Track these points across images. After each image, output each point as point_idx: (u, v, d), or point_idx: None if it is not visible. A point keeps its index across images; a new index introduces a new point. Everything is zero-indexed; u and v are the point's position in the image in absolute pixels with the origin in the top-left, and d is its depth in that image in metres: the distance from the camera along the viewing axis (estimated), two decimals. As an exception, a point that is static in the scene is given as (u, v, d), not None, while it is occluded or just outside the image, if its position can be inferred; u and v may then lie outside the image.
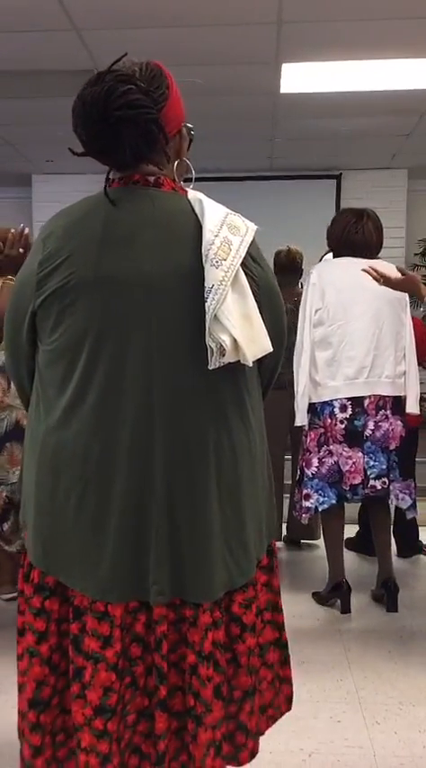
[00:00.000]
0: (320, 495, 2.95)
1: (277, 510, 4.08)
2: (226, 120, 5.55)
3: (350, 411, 2.89)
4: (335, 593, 3.03)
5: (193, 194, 1.34)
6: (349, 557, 3.20)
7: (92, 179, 1.37)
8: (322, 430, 2.94)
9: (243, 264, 1.28)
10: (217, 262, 1.23)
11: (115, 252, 1.25)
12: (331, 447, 2.92)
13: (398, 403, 2.97)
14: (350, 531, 3.59)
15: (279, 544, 3.89)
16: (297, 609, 3.09)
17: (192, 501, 1.28)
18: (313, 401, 2.94)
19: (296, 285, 3.87)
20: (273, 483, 1.53)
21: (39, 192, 7.16)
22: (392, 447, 2.93)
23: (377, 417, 2.90)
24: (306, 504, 2.97)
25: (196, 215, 1.29)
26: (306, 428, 2.99)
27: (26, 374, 1.38)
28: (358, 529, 3.74)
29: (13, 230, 2.51)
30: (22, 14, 3.74)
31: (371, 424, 2.89)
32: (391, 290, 2.63)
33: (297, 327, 3.70)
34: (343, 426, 2.89)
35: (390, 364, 2.93)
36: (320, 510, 2.97)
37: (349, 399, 2.89)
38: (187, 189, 1.36)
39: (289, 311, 3.72)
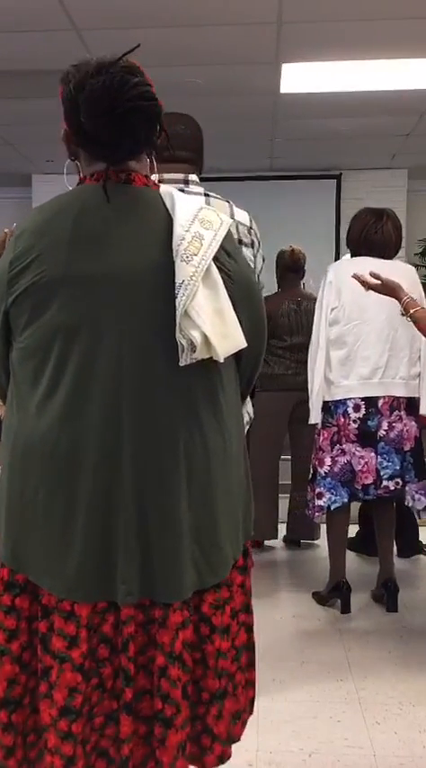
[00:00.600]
0: (332, 493, 2.95)
1: (274, 510, 4.06)
2: (226, 120, 5.55)
3: (363, 411, 2.89)
4: (335, 593, 3.03)
5: (165, 189, 1.33)
6: (349, 557, 3.19)
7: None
8: (335, 429, 2.94)
9: (215, 259, 1.27)
10: (187, 257, 1.22)
11: (84, 250, 1.25)
12: (344, 446, 2.92)
13: (413, 404, 2.96)
14: (350, 531, 3.58)
15: (279, 544, 3.90)
16: (298, 609, 3.09)
17: (161, 500, 1.26)
18: (326, 400, 2.94)
19: (298, 285, 3.87)
20: (250, 482, 1.50)
21: (39, 191, 7.15)
22: (407, 448, 2.92)
23: (391, 418, 2.90)
24: (319, 502, 2.97)
25: (168, 210, 1.28)
26: (319, 427, 2.98)
27: (2, 372, 1.37)
28: (358, 529, 3.74)
29: (6, 230, 2.51)
30: (22, 14, 3.74)
31: (385, 425, 2.89)
32: (408, 289, 2.60)
33: (299, 328, 3.72)
34: (356, 426, 2.89)
35: (405, 365, 2.92)
36: (332, 509, 2.96)
37: (362, 399, 2.89)
38: (159, 184, 1.36)
39: (292, 311, 3.73)
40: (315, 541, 3.88)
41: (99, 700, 1.29)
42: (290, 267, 3.83)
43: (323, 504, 2.96)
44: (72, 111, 1.27)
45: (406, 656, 2.66)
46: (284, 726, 2.21)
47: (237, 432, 1.40)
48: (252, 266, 2.07)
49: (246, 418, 2.17)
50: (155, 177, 1.95)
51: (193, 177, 1.99)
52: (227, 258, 1.32)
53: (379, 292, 2.51)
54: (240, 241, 2.02)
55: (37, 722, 1.32)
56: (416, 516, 3.10)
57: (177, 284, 1.21)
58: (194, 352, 1.22)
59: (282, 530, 3.91)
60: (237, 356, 1.39)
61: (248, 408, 2.20)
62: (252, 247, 2.07)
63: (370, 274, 2.48)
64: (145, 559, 1.26)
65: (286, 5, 3.69)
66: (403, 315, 2.42)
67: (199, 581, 1.30)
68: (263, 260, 2.18)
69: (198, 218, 1.27)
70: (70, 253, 1.25)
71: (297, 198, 6.92)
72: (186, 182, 1.98)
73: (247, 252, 2.04)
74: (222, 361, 1.25)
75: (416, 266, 7.10)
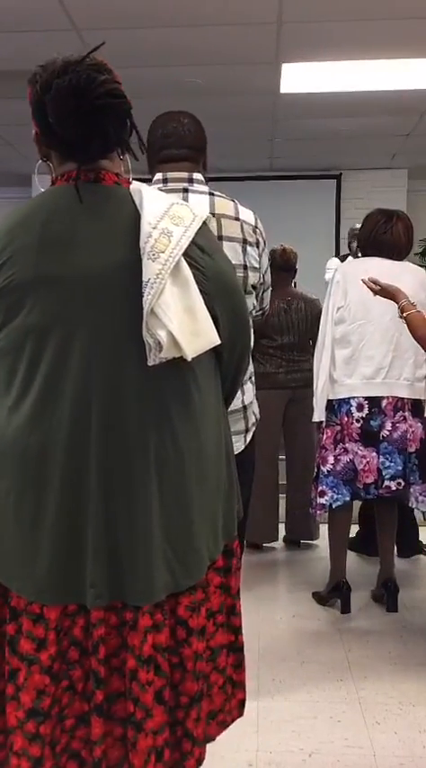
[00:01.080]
0: (334, 492, 2.95)
1: (274, 512, 4.04)
2: (226, 120, 5.55)
3: (366, 410, 2.89)
4: (335, 594, 3.03)
5: (135, 186, 1.31)
6: (349, 557, 3.19)
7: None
8: (338, 428, 2.94)
9: (186, 255, 1.25)
10: (154, 255, 1.20)
11: (53, 251, 1.24)
12: (346, 445, 2.92)
13: (418, 405, 2.96)
14: (351, 531, 3.58)
15: (279, 544, 3.89)
16: (298, 609, 3.09)
17: (130, 501, 1.25)
18: (330, 398, 2.94)
19: (289, 285, 3.85)
20: (236, 482, 1.48)
21: (39, 192, 7.15)
22: (411, 449, 2.91)
23: (395, 418, 2.89)
24: (321, 500, 2.97)
25: (137, 207, 1.27)
26: (323, 425, 2.98)
27: None
28: (358, 529, 3.73)
29: None
30: (22, 14, 3.74)
31: (388, 425, 2.89)
32: (416, 292, 2.61)
33: (289, 328, 3.71)
34: (359, 425, 2.89)
35: (409, 367, 2.92)
36: (334, 507, 2.96)
37: (366, 399, 2.89)
38: (130, 181, 1.34)
39: (282, 311, 3.72)
40: (315, 542, 3.88)
41: (69, 702, 1.28)
42: (281, 266, 3.81)
43: (325, 502, 2.96)
44: (40, 111, 1.26)
45: (406, 656, 2.66)
46: (284, 726, 2.21)
47: (216, 432, 1.38)
48: (257, 265, 2.04)
49: (253, 419, 2.17)
50: (159, 176, 1.96)
51: (198, 176, 1.96)
52: (200, 254, 1.30)
53: (383, 296, 2.52)
54: (244, 240, 2.00)
55: (5, 724, 1.30)
56: (422, 517, 3.09)
57: (144, 283, 1.20)
58: (161, 351, 1.20)
59: (281, 530, 3.91)
60: (218, 355, 1.38)
61: (254, 409, 2.19)
62: (257, 247, 2.05)
63: (370, 280, 2.50)
64: (114, 561, 1.25)
65: (286, 5, 3.69)
66: (400, 317, 2.44)
67: (174, 583, 1.28)
68: (269, 260, 2.17)
69: (168, 213, 1.26)
70: (39, 255, 1.24)
71: (297, 198, 6.93)
72: (191, 180, 1.95)
73: (252, 251, 2.02)
74: (189, 359, 1.23)
75: (416, 266, 7.12)
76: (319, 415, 2.95)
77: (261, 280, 2.10)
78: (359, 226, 4.52)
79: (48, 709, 1.24)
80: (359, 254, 3.83)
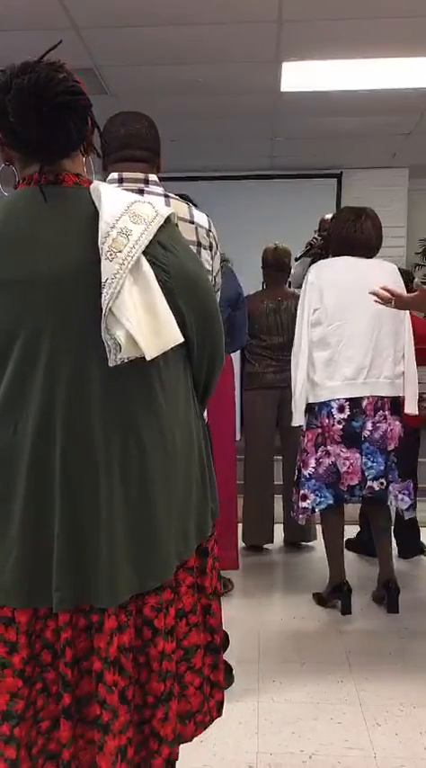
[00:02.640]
0: (317, 495, 2.94)
1: (268, 513, 3.98)
2: (226, 118, 5.55)
3: (348, 412, 2.88)
4: (336, 595, 3.02)
5: (95, 185, 1.30)
6: (349, 558, 3.19)
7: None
8: (319, 430, 2.93)
9: (148, 253, 1.24)
10: (111, 254, 1.19)
11: (12, 255, 1.24)
12: (328, 448, 2.91)
13: (397, 404, 2.96)
14: (351, 531, 3.58)
15: (279, 546, 3.88)
16: (298, 610, 3.08)
17: (93, 504, 1.25)
18: (311, 401, 2.93)
19: (282, 284, 3.83)
20: (212, 481, 1.47)
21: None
22: (390, 448, 2.92)
23: (376, 418, 2.89)
24: (303, 504, 2.96)
25: (97, 207, 1.26)
26: (304, 428, 2.97)
27: None
28: (358, 530, 3.73)
29: None
30: (21, 13, 3.73)
31: (369, 425, 2.88)
32: (391, 287, 2.57)
33: (278, 328, 3.70)
34: (341, 427, 2.88)
35: (389, 365, 2.92)
36: (317, 510, 2.96)
37: (347, 400, 2.88)
38: (91, 180, 1.33)
39: (271, 311, 3.71)
40: (311, 543, 3.87)
41: (44, 704, 1.29)
42: (273, 265, 3.79)
43: (307, 505, 2.95)
44: (1, 114, 1.24)
45: (407, 657, 2.66)
46: (284, 727, 2.20)
47: (186, 431, 1.37)
48: (209, 268, 2.03)
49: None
50: (114, 176, 1.96)
51: (153, 177, 1.96)
52: (163, 251, 1.29)
53: (406, 307, 2.45)
54: (199, 243, 1.99)
55: None
56: (402, 516, 3.08)
57: (102, 283, 1.19)
58: (120, 351, 1.19)
59: (279, 531, 3.89)
60: (189, 352, 1.37)
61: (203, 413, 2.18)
62: (210, 250, 2.04)
63: (383, 289, 2.45)
64: (79, 565, 1.25)
65: (286, 4, 3.68)
66: None
67: (139, 584, 1.28)
68: (221, 262, 2.15)
69: (128, 212, 1.25)
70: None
71: (297, 197, 6.91)
72: (146, 181, 1.95)
73: (205, 254, 2.01)
74: (149, 359, 1.22)
75: (417, 266, 7.12)
76: (299, 419, 2.94)
77: (213, 282, 2.10)
78: (329, 216, 4.54)
79: (23, 712, 1.25)
80: (318, 251, 3.83)
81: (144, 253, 1.24)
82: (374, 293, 2.49)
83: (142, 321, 1.21)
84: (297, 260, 4.38)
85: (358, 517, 3.67)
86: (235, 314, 2.94)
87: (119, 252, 1.20)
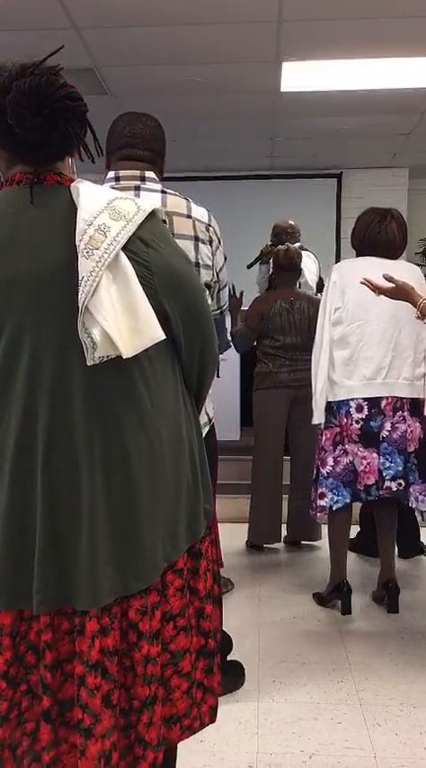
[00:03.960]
0: (334, 494, 2.94)
1: (276, 514, 3.97)
2: (226, 118, 5.55)
3: (366, 411, 2.88)
4: (336, 595, 3.02)
5: (75, 184, 1.29)
6: (350, 558, 3.18)
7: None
8: (337, 429, 2.93)
9: (128, 250, 1.24)
10: (88, 252, 1.19)
11: None
12: (346, 446, 2.91)
13: (417, 405, 2.95)
14: (351, 532, 3.58)
15: (280, 545, 3.89)
16: (298, 610, 3.08)
17: (74, 506, 1.24)
18: (329, 400, 2.93)
19: (293, 285, 3.84)
20: (206, 481, 1.46)
21: None
22: (410, 449, 2.90)
23: (394, 419, 2.88)
24: (321, 502, 2.96)
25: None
26: (322, 427, 2.97)
27: None
28: (359, 530, 3.73)
29: None
30: (21, 13, 3.73)
31: (388, 426, 2.88)
32: (416, 288, 2.58)
33: (291, 328, 3.70)
34: (359, 426, 2.87)
35: (408, 366, 2.91)
36: (334, 509, 2.96)
37: (365, 400, 2.88)
38: (73, 179, 1.32)
39: (284, 311, 3.71)
40: (316, 543, 3.87)
41: (29, 705, 1.28)
42: (284, 266, 3.79)
43: (325, 504, 2.96)
44: None
45: (407, 657, 2.66)
46: (284, 727, 2.20)
47: (175, 431, 1.36)
48: (210, 263, 2.02)
49: (204, 419, 2.11)
50: (111, 174, 1.96)
51: (150, 174, 1.96)
52: (144, 248, 1.28)
53: (392, 297, 2.48)
54: (196, 238, 1.98)
55: None
56: (420, 517, 3.08)
57: (79, 281, 1.19)
58: (96, 350, 1.19)
59: (283, 531, 3.90)
60: (177, 350, 1.37)
61: (209, 409, 2.15)
62: (210, 245, 2.03)
63: (384, 277, 2.45)
64: (60, 567, 1.25)
65: (286, 4, 3.68)
66: (418, 318, 2.38)
67: (123, 586, 1.27)
68: (225, 258, 2.14)
69: (108, 209, 1.24)
70: None
71: (297, 197, 6.91)
72: (142, 179, 1.95)
73: (204, 249, 2.00)
74: (126, 358, 1.21)
75: (417, 266, 7.10)
76: (319, 417, 2.94)
77: (216, 278, 2.08)
78: (293, 223, 4.52)
79: (6, 713, 1.25)
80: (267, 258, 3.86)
81: (125, 249, 1.23)
82: (364, 282, 2.49)
83: (120, 319, 1.20)
84: (248, 267, 4.40)
85: (358, 517, 3.67)
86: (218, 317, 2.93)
87: (96, 249, 1.19)
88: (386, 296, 2.50)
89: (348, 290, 2.90)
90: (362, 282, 2.53)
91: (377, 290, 2.49)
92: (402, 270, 2.89)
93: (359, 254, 3.03)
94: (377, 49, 4.27)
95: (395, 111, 5.33)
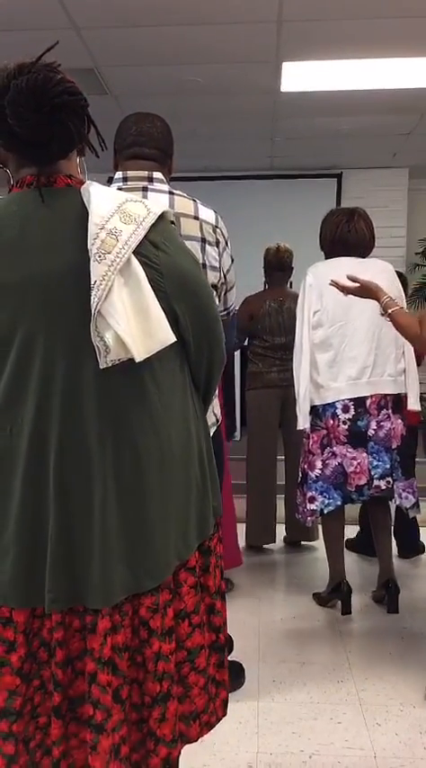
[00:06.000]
0: (325, 497, 2.93)
1: (269, 513, 3.97)
2: (226, 119, 5.54)
3: (352, 412, 2.88)
4: (336, 595, 3.02)
5: (85, 186, 1.29)
6: (349, 558, 3.19)
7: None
8: (324, 432, 2.92)
9: (139, 253, 1.24)
10: (100, 256, 1.19)
11: (5, 260, 1.24)
12: (334, 448, 2.91)
13: (398, 401, 2.96)
14: (351, 531, 3.58)
15: (279, 545, 3.89)
16: (298, 610, 3.08)
17: (87, 506, 1.25)
18: (315, 403, 2.92)
19: (284, 285, 3.82)
20: (214, 480, 1.48)
21: None
22: (394, 446, 2.92)
23: (379, 417, 2.89)
24: (311, 506, 2.95)
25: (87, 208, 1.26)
26: (308, 430, 2.97)
27: None
28: (358, 530, 3.73)
29: None
30: (21, 13, 3.73)
31: (374, 424, 2.88)
32: (388, 288, 2.59)
33: (280, 328, 3.69)
34: (346, 427, 2.87)
35: (391, 362, 2.91)
36: (325, 512, 2.95)
37: (351, 400, 2.88)
38: (84, 180, 1.32)
39: (273, 311, 3.70)
40: (315, 543, 3.87)
41: (42, 700, 1.30)
42: (275, 265, 3.78)
43: (315, 507, 2.95)
44: None
45: (407, 656, 2.66)
46: (284, 727, 2.20)
47: (184, 431, 1.37)
48: (217, 264, 2.03)
49: (213, 419, 2.13)
50: (119, 175, 1.96)
51: (158, 175, 1.97)
52: (155, 251, 1.28)
53: (359, 296, 2.50)
54: (203, 239, 1.99)
55: None
56: (407, 515, 3.08)
57: (91, 285, 1.19)
58: (109, 353, 1.20)
59: (280, 531, 3.90)
60: (186, 352, 1.37)
61: (216, 409, 2.17)
62: (218, 246, 2.04)
63: (348, 277, 2.47)
64: (72, 566, 1.26)
65: (286, 4, 3.68)
66: (382, 315, 2.41)
67: (135, 584, 1.28)
68: (232, 259, 2.15)
69: (119, 212, 1.24)
70: None
71: (297, 197, 6.91)
72: (150, 179, 1.95)
73: (211, 250, 2.01)
74: (138, 361, 1.22)
75: (416, 266, 7.11)
76: (303, 422, 2.92)
77: (223, 279, 2.09)
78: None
79: (20, 709, 1.26)
80: None
81: (135, 253, 1.24)
82: (333, 284, 2.51)
83: (132, 322, 1.21)
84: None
85: (358, 517, 3.67)
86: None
87: (108, 253, 1.20)
88: (354, 295, 2.51)
89: (325, 292, 2.89)
90: (331, 284, 2.54)
91: (345, 290, 2.50)
92: (376, 267, 2.89)
93: (329, 256, 3.03)
94: (376, 49, 4.27)
95: (395, 111, 5.33)
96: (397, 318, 2.36)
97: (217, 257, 2.03)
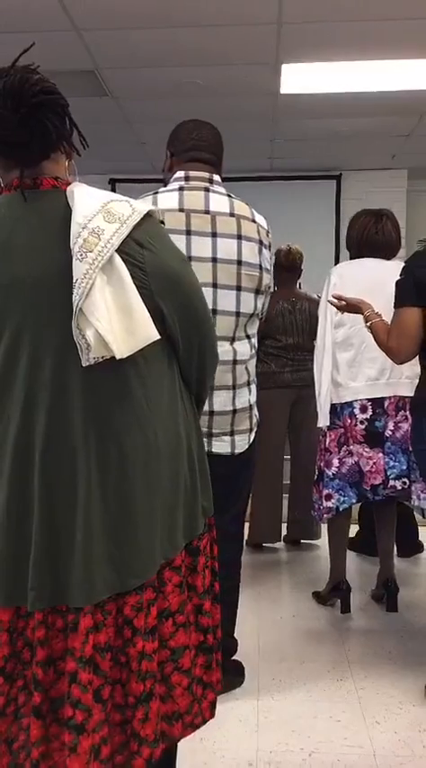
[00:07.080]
0: (341, 494, 2.95)
1: (276, 513, 4.01)
2: (225, 120, 5.51)
3: (370, 412, 2.89)
4: (335, 593, 3.03)
5: (71, 187, 1.31)
6: (349, 557, 3.19)
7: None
8: (342, 430, 2.94)
9: (122, 252, 1.25)
10: (82, 255, 1.20)
11: None
12: (351, 447, 2.92)
13: None
14: (351, 531, 3.59)
15: (280, 544, 3.90)
16: (298, 608, 3.09)
17: (70, 505, 1.26)
18: (333, 402, 2.94)
19: (294, 285, 3.85)
20: (204, 479, 1.48)
21: None
22: (411, 447, 2.92)
23: (397, 418, 2.90)
24: (327, 504, 2.97)
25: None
26: (325, 428, 2.98)
27: None
28: (358, 529, 3.74)
29: None
30: (21, 14, 3.74)
31: (391, 425, 2.89)
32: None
33: (293, 328, 3.71)
34: (364, 427, 2.89)
35: (409, 365, 2.92)
36: (341, 510, 2.96)
37: (369, 400, 2.89)
38: (71, 181, 1.34)
39: (286, 311, 3.72)
40: (316, 541, 3.88)
41: (26, 701, 1.29)
42: (286, 267, 3.81)
43: (331, 505, 2.97)
44: None
45: (406, 655, 2.67)
46: (284, 725, 2.21)
47: (172, 429, 1.37)
48: (269, 267, 2.14)
49: (255, 419, 2.22)
50: (181, 174, 2.04)
51: (217, 178, 2.11)
52: (139, 249, 1.29)
53: (348, 312, 2.60)
54: (261, 242, 2.10)
55: None
56: (421, 515, 3.09)
57: (74, 283, 1.20)
58: (91, 351, 1.21)
59: (283, 530, 3.91)
60: (174, 351, 1.38)
61: (256, 411, 2.24)
62: (269, 250, 2.17)
63: (334, 296, 2.58)
64: (55, 562, 1.26)
65: (286, 6, 3.69)
66: (365, 326, 2.48)
67: (119, 583, 1.28)
68: (273, 260, 2.27)
69: (103, 211, 1.26)
70: None
71: (297, 198, 6.92)
72: (211, 181, 2.09)
73: (266, 253, 2.13)
74: (118, 358, 1.23)
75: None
76: (324, 420, 2.94)
77: (260, 278, 2.13)
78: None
79: (3, 708, 1.27)
80: None
81: (119, 251, 1.24)
82: (330, 301, 2.64)
83: (114, 320, 1.22)
84: None
85: (357, 517, 3.68)
86: None
87: (90, 252, 1.21)
88: (346, 312, 2.62)
89: (349, 293, 2.91)
90: (329, 301, 2.61)
91: (340, 309, 2.61)
92: (395, 270, 2.90)
93: (355, 256, 3.05)
94: (376, 51, 4.28)
95: (395, 112, 5.34)
96: (374, 329, 2.46)
97: (269, 260, 2.16)
